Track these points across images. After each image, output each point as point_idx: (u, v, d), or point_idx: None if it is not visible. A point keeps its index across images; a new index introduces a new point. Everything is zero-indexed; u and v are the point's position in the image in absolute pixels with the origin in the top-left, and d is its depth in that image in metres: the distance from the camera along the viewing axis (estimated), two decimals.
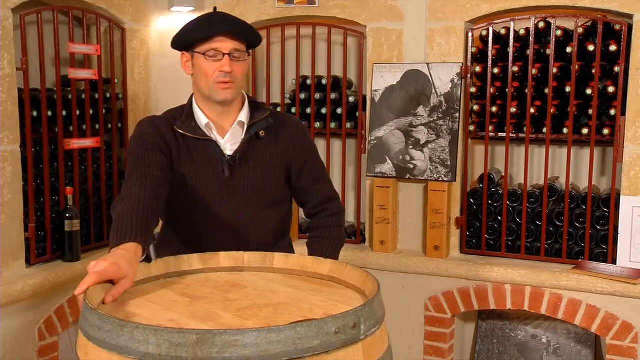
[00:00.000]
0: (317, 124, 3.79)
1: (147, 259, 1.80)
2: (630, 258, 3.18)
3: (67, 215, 3.32)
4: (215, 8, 2.17)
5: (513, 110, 3.39)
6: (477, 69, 3.46)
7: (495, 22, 3.39)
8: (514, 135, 3.44)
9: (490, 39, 3.39)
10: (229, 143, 2.10)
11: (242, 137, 2.11)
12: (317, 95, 3.77)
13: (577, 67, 3.26)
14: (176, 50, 2.12)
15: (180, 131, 2.07)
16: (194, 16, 4.01)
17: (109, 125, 3.75)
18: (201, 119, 2.10)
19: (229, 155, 2.09)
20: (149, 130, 2.07)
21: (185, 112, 2.12)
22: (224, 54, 2.01)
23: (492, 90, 3.43)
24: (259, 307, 1.59)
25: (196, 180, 2.08)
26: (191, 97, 2.16)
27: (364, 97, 3.72)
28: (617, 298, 3.12)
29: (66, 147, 3.38)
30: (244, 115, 2.12)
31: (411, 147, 3.50)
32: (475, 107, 3.50)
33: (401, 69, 3.52)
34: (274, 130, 2.15)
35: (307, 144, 2.23)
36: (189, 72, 2.10)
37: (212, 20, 2.06)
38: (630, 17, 3.13)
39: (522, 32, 3.41)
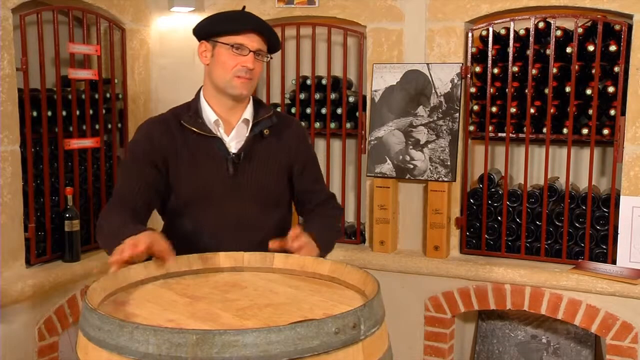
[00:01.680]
0: (317, 124, 3.79)
1: (148, 258, 1.80)
2: (630, 258, 3.18)
3: (67, 215, 3.32)
4: (244, 7, 2.19)
5: (513, 110, 3.39)
6: (477, 69, 3.46)
7: (495, 22, 3.39)
8: (514, 136, 3.44)
9: (490, 39, 3.39)
10: (234, 141, 2.11)
11: (247, 135, 2.11)
12: (317, 96, 3.76)
13: (577, 67, 3.25)
14: (197, 37, 2.12)
15: (188, 126, 2.07)
16: (194, 16, 3.99)
17: (109, 126, 3.75)
18: (209, 115, 2.10)
19: (233, 153, 2.09)
20: (143, 139, 2.09)
21: (192, 108, 2.11)
22: (250, 51, 2.03)
23: (492, 90, 3.43)
24: (259, 307, 1.59)
25: (199, 177, 2.08)
26: (198, 92, 2.15)
27: (364, 97, 3.71)
28: (617, 298, 3.12)
29: (66, 147, 3.38)
30: (248, 113, 2.13)
31: (411, 147, 3.50)
32: (475, 107, 3.50)
33: (401, 69, 3.52)
34: (277, 129, 2.17)
35: (307, 145, 2.29)
36: (205, 62, 2.10)
37: (244, 16, 2.09)
38: (630, 17, 3.13)
39: (522, 32, 3.41)
